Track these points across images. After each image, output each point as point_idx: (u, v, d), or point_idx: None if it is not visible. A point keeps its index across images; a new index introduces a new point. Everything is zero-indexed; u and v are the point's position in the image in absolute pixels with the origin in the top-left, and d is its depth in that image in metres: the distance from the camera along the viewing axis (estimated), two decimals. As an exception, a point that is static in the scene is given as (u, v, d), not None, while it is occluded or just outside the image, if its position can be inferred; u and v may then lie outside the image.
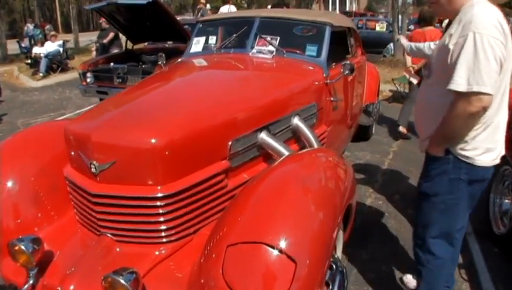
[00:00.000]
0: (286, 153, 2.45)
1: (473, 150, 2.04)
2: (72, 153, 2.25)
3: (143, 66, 6.94)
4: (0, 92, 9.27)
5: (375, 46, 14.78)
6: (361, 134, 5.60)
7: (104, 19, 9.05)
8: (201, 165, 2.14)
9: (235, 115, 2.36)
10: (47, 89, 11.63)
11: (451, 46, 1.94)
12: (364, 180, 4.57)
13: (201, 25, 4.16)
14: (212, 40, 4.04)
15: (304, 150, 2.60)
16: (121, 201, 2.04)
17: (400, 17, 12.76)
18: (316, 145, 2.81)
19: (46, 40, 14.82)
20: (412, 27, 17.65)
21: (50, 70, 12.91)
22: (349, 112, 4.24)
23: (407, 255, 3.18)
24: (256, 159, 2.55)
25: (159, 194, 2.00)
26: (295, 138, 2.93)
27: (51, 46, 12.96)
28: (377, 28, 16.96)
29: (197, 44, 4.00)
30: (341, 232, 2.31)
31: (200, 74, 3.31)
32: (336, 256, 2.08)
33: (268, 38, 3.60)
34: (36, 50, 13.61)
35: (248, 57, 3.53)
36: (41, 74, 12.64)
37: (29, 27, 22.98)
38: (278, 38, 3.61)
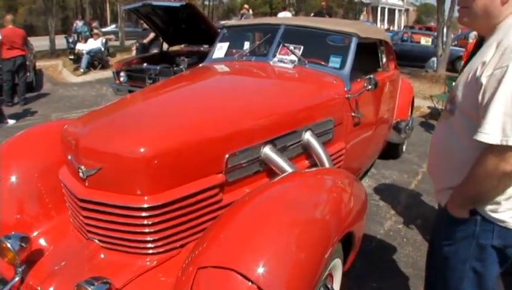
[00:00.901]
0: (290, 170, 2.29)
1: (508, 211, 1.57)
2: (66, 155, 2.19)
3: (175, 68, 6.94)
4: (42, 85, 9.58)
5: (418, 60, 14.34)
6: (391, 151, 5.35)
7: (143, 20, 9.14)
8: (193, 178, 2.03)
9: (235, 127, 2.23)
10: (86, 85, 11.92)
11: (483, 79, 1.45)
12: (387, 201, 4.33)
13: (225, 31, 4.07)
14: (236, 46, 3.95)
15: (309, 170, 2.44)
16: (107, 208, 1.96)
17: (444, 30, 12.28)
18: (327, 164, 2.64)
19: (92, 37, 15.28)
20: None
21: (91, 66, 13.23)
22: (374, 129, 4.03)
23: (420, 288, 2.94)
24: (260, 174, 2.41)
25: (145, 205, 1.91)
26: (306, 154, 2.77)
27: (93, 44, 13.28)
28: (422, 42, 16.44)
29: (219, 50, 3.91)
30: (339, 262, 2.13)
31: (210, 82, 3.19)
32: (329, 287, 1.91)
33: (291, 47, 3.46)
34: (79, 46, 14.03)
35: (268, 65, 3.40)
36: (81, 70, 12.98)
37: (78, 24, 23.76)
38: (302, 47, 3.46)
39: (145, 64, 7.43)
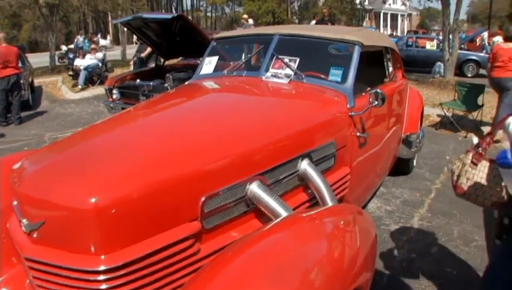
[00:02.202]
0: (282, 212, 1.90)
1: None
2: (12, 202, 1.81)
3: (166, 84, 6.57)
4: (39, 103, 9.34)
5: (424, 65, 13.97)
6: (401, 167, 4.94)
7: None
8: (161, 229, 1.64)
9: (213, 162, 1.85)
10: (83, 101, 11.66)
11: None
12: (399, 226, 3.92)
13: (215, 43, 3.70)
14: (227, 60, 3.58)
15: (305, 213, 2.03)
16: (57, 270, 1.57)
17: (450, 35, 11.87)
18: (327, 198, 2.24)
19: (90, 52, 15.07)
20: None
21: (89, 82, 12.96)
22: (382, 146, 3.63)
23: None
24: (246, 215, 2.01)
25: (102, 267, 1.52)
26: (303, 186, 2.37)
27: (88, 60, 13.03)
28: (427, 47, 16.06)
29: (208, 65, 3.54)
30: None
31: (189, 104, 2.80)
32: None
33: (286, 60, 3.08)
34: (77, 62, 13.76)
35: (260, 81, 3.02)
36: (79, 86, 12.74)
37: (79, 39, 23.67)
38: (298, 59, 3.08)
39: (138, 81, 7.08)
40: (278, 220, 1.79)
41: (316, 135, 2.46)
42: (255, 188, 1.95)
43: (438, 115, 8.22)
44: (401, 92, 4.26)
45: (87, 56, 13.70)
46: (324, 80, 3.03)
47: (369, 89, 3.80)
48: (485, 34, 18.96)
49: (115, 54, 23.14)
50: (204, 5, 65.21)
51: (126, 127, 2.26)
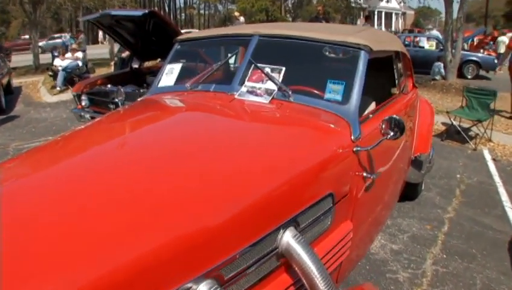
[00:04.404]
0: None
1: None
2: None
3: (141, 90, 5.76)
4: (14, 106, 8.59)
5: (423, 66, 13.28)
6: (407, 192, 4.17)
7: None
8: None
9: (134, 258, 1.09)
10: (60, 105, 10.88)
11: None
12: (408, 272, 3.17)
13: (179, 46, 2.91)
14: (193, 68, 2.80)
15: None
16: None
17: (453, 34, 11.12)
18: (319, 285, 1.46)
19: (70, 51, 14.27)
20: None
21: (69, 84, 12.12)
22: (391, 177, 2.88)
23: None
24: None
25: None
26: (285, 266, 1.59)
27: (69, 60, 12.21)
28: (426, 46, 15.34)
29: (169, 74, 2.76)
30: None
31: (133, 143, 1.95)
32: None
33: (267, 70, 2.29)
34: (56, 62, 12.97)
35: (230, 101, 2.25)
36: (58, 88, 11.94)
37: (66, 36, 22.79)
38: (283, 69, 2.31)
39: (109, 86, 6.28)
40: None
41: (306, 190, 1.68)
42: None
43: (443, 123, 7.46)
44: (412, 106, 3.50)
45: (68, 55, 12.90)
46: (319, 98, 2.26)
47: (373, 104, 3.04)
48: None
49: (103, 52, 22.24)
50: (198, 2, 64.13)
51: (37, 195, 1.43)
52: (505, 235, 3.70)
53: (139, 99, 2.74)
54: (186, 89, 2.56)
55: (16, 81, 14.28)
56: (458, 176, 5.23)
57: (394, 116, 1.99)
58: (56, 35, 36.31)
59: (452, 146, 6.57)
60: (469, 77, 13.91)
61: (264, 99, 2.20)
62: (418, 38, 16.19)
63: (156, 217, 1.23)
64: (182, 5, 65.11)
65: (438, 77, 12.02)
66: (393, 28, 48.42)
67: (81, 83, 6.83)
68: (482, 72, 14.35)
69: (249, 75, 2.34)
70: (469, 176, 5.19)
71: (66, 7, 20.79)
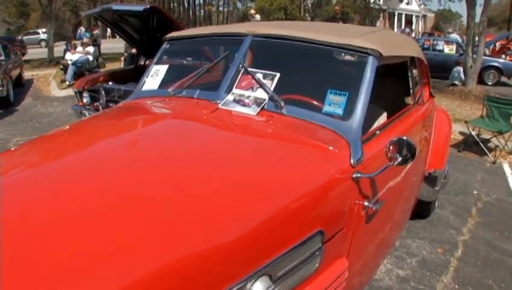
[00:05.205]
0: None
1: None
2: None
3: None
4: (22, 99, 8.50)
5: (441, 70, 12.83)
6: (419, 210, 3.83)
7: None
8: None
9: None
10: (68, 99, 10.72)
11: None
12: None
13: (167, 45, 2.63)
14: (183, 70, 2.52)
15: None
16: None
17: (475, 39, 10.66)
18: None
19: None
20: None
21: (79, 78, 11.99)
22: (402, 201, 2.56)
23: None
24: None
25: None
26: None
27: (80, 54, 12.09)
28: (445, 50, 14.83)
29: (154, 77, 2.47)
30: None
31: (108, 156, 1.68)
32: None
33: (259, 76, 1.99)
34: (67, 56, 12.87)
35: (213, 111, 1.94)
36: (67, 83, 11.83)
37: (82, 30, 22.78)
38: (277, 75, 2.00)
39: (110, 83, 6.04)
40: None
41: (286, 230, 1.36)
42: None
43: (461, 133, 7.06)
44: (428, 118, 3.16)
45: (79, 49, 12.80)
46: (317, 110, 1.93)
47: (384, 116, 2.72)
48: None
49: (119, 46, 22.16)
50: (217, -1, 63.85)
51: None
52: (527, 266, 3.34)
53: (119, 104, 2.48)
54: (169, 94, 2.26)
55: (28, 74, 14.27)
56: (475, 192, 4.85)
57: (404, 138, 1.67)
58: (31, 31, 36.12)
59: (470, 158, 6.17)
60: (489, 83, 13.41)
61: (252, 111, 1.90)
62: (436, 42, 15.66)
63: None
64: (202, 2, 64.90)
65: (457, 82, 11.56)
66: (414, 31, 47.66)
67: (82, 80, 6.61)
68: (504, 79, 13.83)
69: (237, 81, 2.04)
70: (487, 193, 4.81)
71: (82, 1, 20.77)
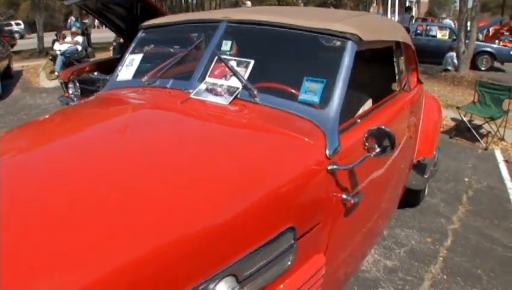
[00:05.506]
0: None
1: None
2: None
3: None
4: (11, 91, 8.40)
5: (435, 56, 12.77)
6: (408, 199, 3.76)
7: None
8: None
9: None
10: (57, 90, 10.52)
11: None
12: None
13: (143, 34, 2.53)
14: (156, 59, 2.43)
15: None
16: None
17: (467, 24, 10.55)
18: None
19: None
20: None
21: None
22: (389, 190, 2.49)
23: None
24: None
25: None
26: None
27: (65, 45, 11.91)
28: (438, 36, 14.72)
29: (129, 66, 2.38)
30: None
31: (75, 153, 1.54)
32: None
33: (233, 63, 1.89)
34: (55, 47, 12.70)
35: (184, 101, 1.84)
36: (56, 73, 11.66)
37: (72, 20, 22.46)
38: (251, 62, 1.90)
39: (96, 73, 5.93)
40: None
41: (253, 227, 1.27)
42: None
43: (453, 119, 6.98)
44: (416, 105, 3.08)
45: (68, 39, 12.61)
46: (292, 99, 1.84)
47: (369, 102, 2.63)
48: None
49: (111, 36, 21.92)
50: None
51: None
52: (516, 254, 3.29)
53: (92, 96, 2.39)
54: (143, 84, 2.17)
55: (18, 65, 14.08)
56: (466, 179, 4.79)
57: (382, 127, 1.58)
58: (5, 23, 34.00)
59: (461, 145, 6.11)
60: (483, 68, 13.34)
61: (224, 100, 1.80)
62: (429, 27, 15.54)
63: None
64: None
65: (450, 68, 11.48)
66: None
67: (68, 70, 6.47)
68: (497, 64, 13.76)
69: (210, 69, 1.94)
70: (478, 180, 4.75)
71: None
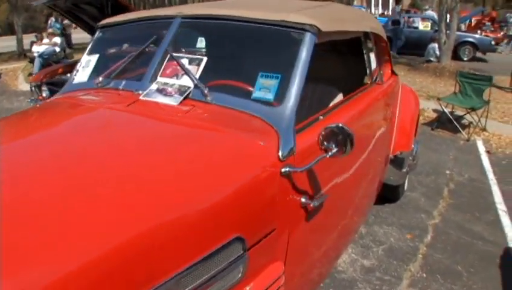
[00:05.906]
0: None
1: None
2: None
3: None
4: None
5: (417, 47, 12.81)
6: (387, 194, 3.68)
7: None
8: None
9: None
10: (35, 94, 10.35)
11: None
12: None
13: (100, 33, 2.40)
14: (113, 59, 2.30)
15: None
16: None
17: (448, 14, 10.51)
18: None
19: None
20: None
21: (46, 70, 11.61)
22: (363, 187, 2.40)
23: None
24: None
25: None
26: None
27: (43, 46, 11.69)
28: (420, 27, 14.72)
29: (85, 68, 2.25)
30: None
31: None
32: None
33: (184, 61, 1.77)
34: (33, 48, 12.48)
35: (129, 103, 1.71)
36: (34, 75, 11.41)
37: (52, 20, 22.08)
38: (204, 59, 1.78)
39: (68, 75, 5.75)
40: None
41: (191, 240, 1.15)
42: None
43: (435, 110, 6.93)
44: (390, 97, 2.98)
45: (45, 41, 12.39)
46: (246, 97, 1.72)
47: (339, 97, 2.53)
48: None
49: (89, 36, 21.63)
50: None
51: None
52: (497, 248, 3.20)
53: (52, 98, 2.28)
54: (96, 86, 2.04)
55: (-4, 68, 13.81)
56: (448, 172, 4.71)
57: (339, 124, 1.47)
58: None
59: (443, 136, 6.05)
60: (465, 59, 13.37)
61: (173, 101, 1.68)
62: (412, 19, 15.53)
63: None
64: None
65: (433, 59, 11.46)
66: (390, 9, 47.42)
67: (40, 72, 6.32)
68: (479, 54, 13.78)
69: (162, 68, 1.82)
70: (460, 172, 4.68)
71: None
